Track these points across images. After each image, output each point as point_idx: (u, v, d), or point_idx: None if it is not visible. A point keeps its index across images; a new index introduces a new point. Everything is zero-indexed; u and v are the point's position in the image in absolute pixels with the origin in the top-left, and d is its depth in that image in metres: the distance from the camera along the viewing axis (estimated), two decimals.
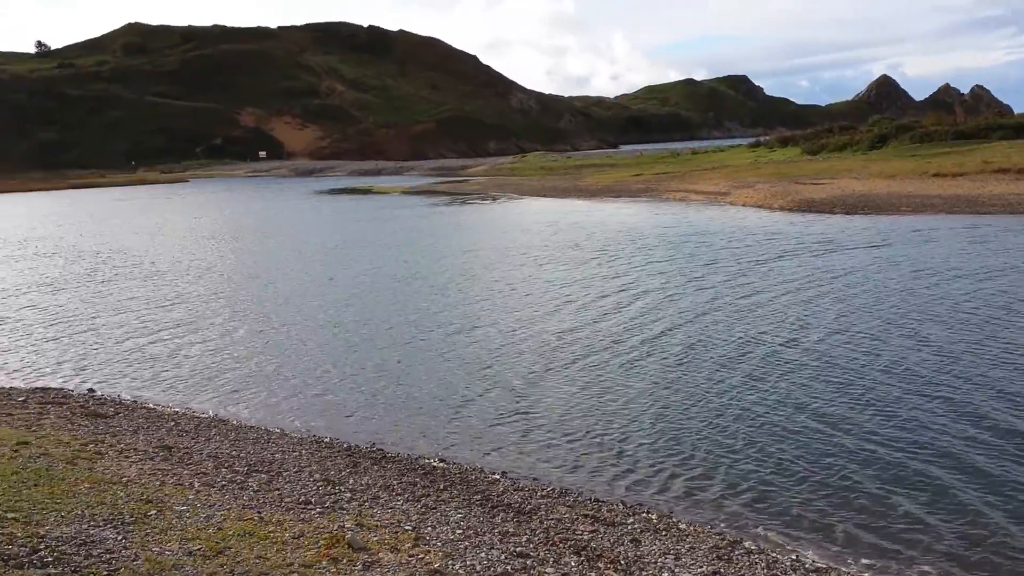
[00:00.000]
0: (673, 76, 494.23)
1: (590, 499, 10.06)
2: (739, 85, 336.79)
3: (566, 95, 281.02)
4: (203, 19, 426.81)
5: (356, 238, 39.70)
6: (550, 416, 13.12)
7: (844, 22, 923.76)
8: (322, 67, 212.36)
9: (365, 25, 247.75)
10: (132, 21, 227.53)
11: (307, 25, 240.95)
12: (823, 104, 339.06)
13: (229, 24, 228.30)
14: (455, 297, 23.69)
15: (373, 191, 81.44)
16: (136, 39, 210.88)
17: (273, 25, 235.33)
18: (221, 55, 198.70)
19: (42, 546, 6.77)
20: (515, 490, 10.24)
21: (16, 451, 9.84)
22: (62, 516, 7.57)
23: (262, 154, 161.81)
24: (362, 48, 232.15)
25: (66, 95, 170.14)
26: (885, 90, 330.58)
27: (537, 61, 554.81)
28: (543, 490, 10.31)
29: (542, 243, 34.46)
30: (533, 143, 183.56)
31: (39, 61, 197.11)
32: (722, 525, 9.36)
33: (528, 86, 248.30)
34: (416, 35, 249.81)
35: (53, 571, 6.36)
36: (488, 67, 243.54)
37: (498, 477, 10.80)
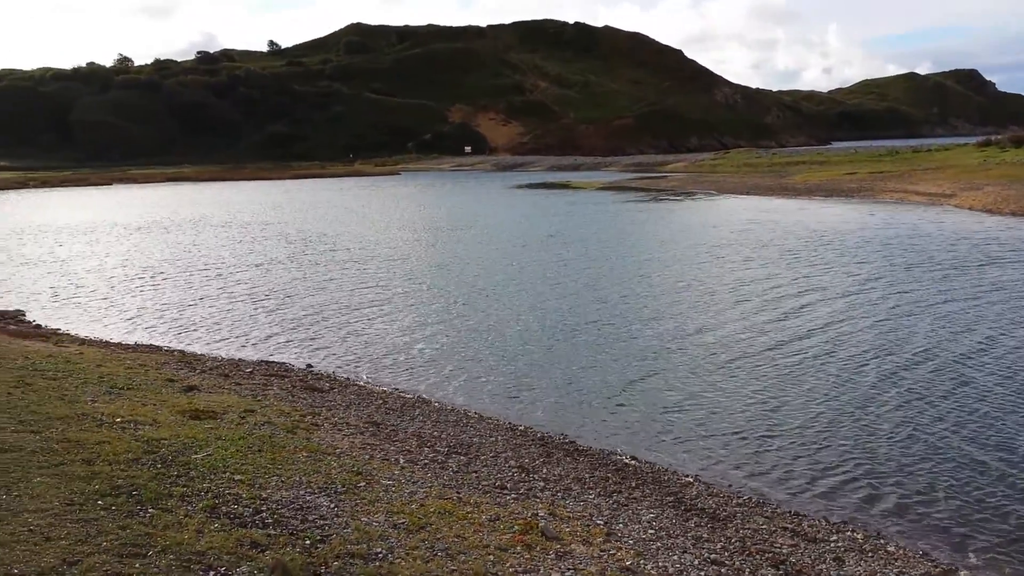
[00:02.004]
0: (892, 70, 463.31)
1: (790, 512, 9.65)
2: (968, 79, 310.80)
3: (774, 89, 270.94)
4: (419, 19, 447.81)
5: (547, 231, 40.14)
6: (745, 422, 12.70)
7: None
8: (527, 64, 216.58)
9: (571, 22, 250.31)
10: (354, 22, 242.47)
11: (515, 23, 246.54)
12: None
13: (442, 23, 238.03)
14: (638, 291, 23.59)
15: (569, 186, 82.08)
16: (357, 38, 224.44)
17: (483, 24, 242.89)
18: (433, 54, 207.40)
19: (264, 508, 7.33)
20: (709, 495, 10.00)
21: (243, 418, 10.75)
22: (282, 481, 8.18)
23: (467, 149, 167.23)
24: (567, 44, 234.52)
25: (294, 91, 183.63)
26: None
27: (744, 55, 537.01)
28: (739, 497, 10.00)
29: (732, 241, 33.50)
30: (737, 139, 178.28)
31: (271, 59, 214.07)
32: (934, 551, 8.68)
33: (734, 80, 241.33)
34: (621, 30, 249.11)
35: (273, 532, 6.87)
36: (693, 61, 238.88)
37: (691, 480, 10.58)
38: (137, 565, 5.77)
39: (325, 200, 71.05)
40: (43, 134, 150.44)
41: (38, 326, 20.29)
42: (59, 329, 19.90)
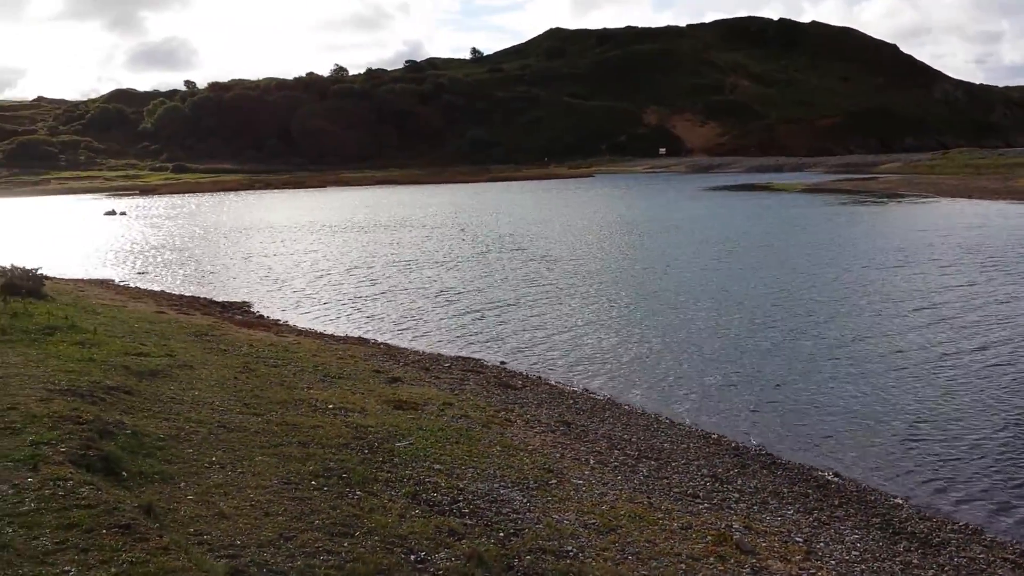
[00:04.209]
0: None
1: (1011, 540, 8.84)
2: None
3: (1000, 85, 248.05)
4: (617, 22, 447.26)
5: (741, 234, 38.75)
6: (954, 440, 11.73)
7: None
8: (728, 63, 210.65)
9: (775, 19, 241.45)
10: (554, 27, 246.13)
11: (716, 22, 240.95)
12: None
13: (641, 25, 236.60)
14: (832, 298, 22.62)
15: (770, 188, 79.03)
16: (556, 43, 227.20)
17: (682, 24, 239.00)
18: (631, 55, 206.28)
19: (460, 498, 7.61)
20: (920, 519, 9.32)
21: (442, 410, 11.20)
22: (478, 473, 8.45)
23: (662, 151, 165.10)
24: (771, 42, 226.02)
25: (494, 97, 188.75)
26: None
27: (965, 48, 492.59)
28: (953, 524, 9.25)
29: (939, 246, 31.17)
30: (957, 139, 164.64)
31: (473, 66, 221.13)
32: None
33: (954, 76, 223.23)
34: (829, 26, 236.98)
35: (469, 522, 7.12)
36: (909, 56, 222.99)
37: (900, 502, 9.90)
38: (345, 544, 6.16)
39: (517, 202, 72.47)
40: (267, 139, 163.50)
41: (261, 316, 22.08)
42: (279, 320, 21.56)
